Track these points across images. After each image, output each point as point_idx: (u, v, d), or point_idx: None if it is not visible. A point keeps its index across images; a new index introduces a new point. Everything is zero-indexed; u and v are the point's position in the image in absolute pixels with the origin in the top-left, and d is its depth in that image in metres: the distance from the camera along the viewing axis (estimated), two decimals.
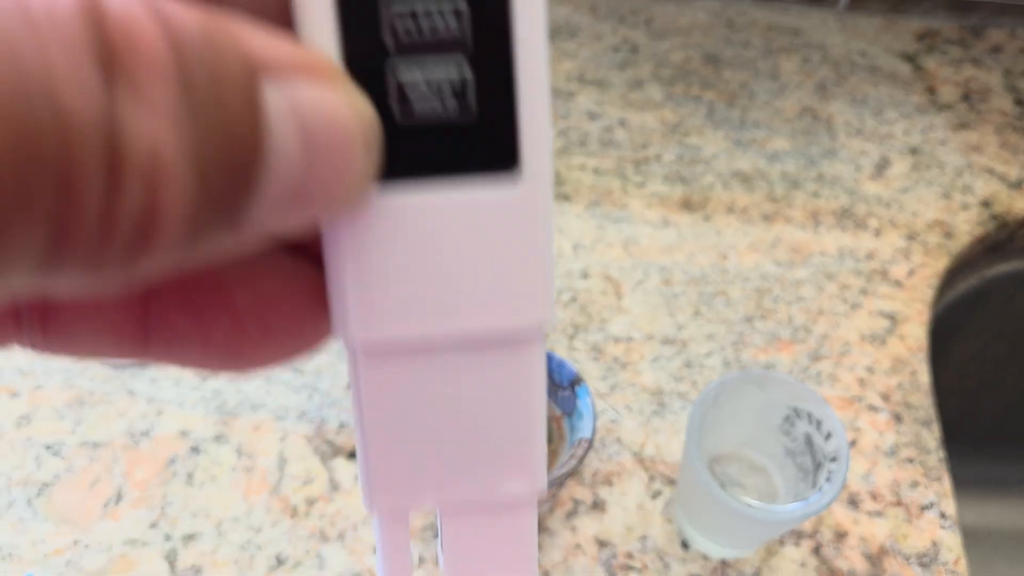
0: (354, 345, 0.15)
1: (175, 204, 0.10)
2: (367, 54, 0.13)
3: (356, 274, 0.14)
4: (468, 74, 0.13)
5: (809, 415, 0.44)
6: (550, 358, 0.43)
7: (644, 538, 0.48)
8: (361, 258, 0.14)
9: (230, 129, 0.10)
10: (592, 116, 0.64)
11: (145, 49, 0.09)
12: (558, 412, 0.44)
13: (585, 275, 0.57)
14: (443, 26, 0.13)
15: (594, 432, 0.41)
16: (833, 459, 0.42)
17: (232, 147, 0.10)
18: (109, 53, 0.09)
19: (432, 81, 0.13)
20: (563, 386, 0.43)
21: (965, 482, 0.73)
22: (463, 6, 0.13)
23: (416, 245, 0.14)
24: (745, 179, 0.62)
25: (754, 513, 0.41)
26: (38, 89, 0.09)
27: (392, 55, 0.13)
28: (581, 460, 0.41)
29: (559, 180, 0.61)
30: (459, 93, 0.13)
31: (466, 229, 0.14)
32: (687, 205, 0.60)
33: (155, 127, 0.09)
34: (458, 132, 0.13)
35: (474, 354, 0.15)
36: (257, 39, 0.11)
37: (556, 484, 0.41)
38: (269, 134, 0.11)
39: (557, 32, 0.69)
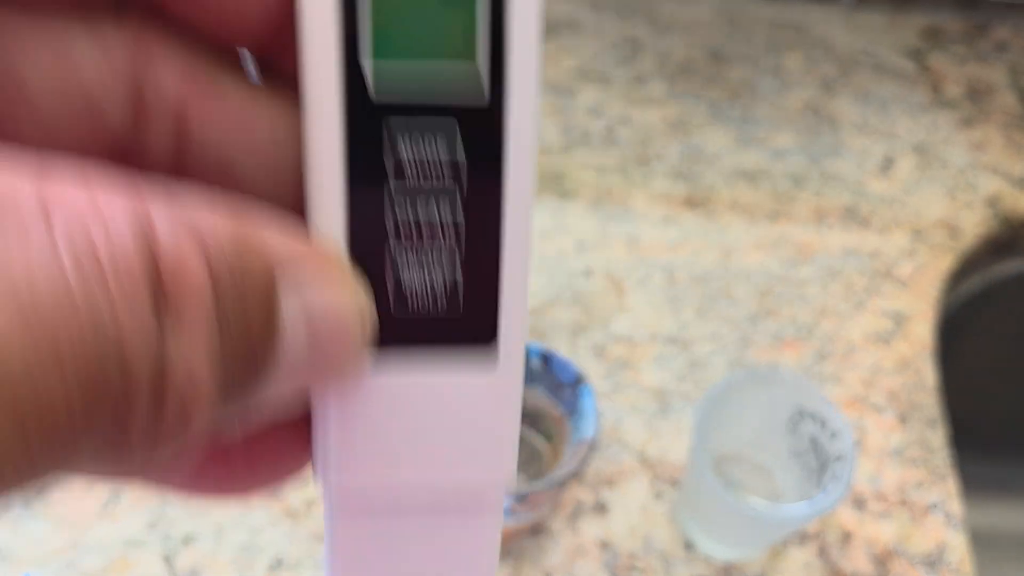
0: (331, 491, 0.16)
1: (203, 411, 0.12)
2: (370, 241, 0.15)
3: (339, 428, 0.15)
4: (459, 277, 0.15)
5: (814, 415, 0.43)
6: (552, 357, 0.43)
7: (647, 540, 0.47)
8: (344, 414, 0.15)
9: (250, 336, 0.12)
10: (594, 113, 0.64)
11: (189, 284, 0.11)
12: (561, 411, 0.44)
13: (587, 274, 0.56)
14: (439, 219, 0.15)
15: (596, 432, 0.41)
16: (839, 459, 0.42)
17: (251, 350, 0.12)
18: (162, 292, 0.11)
19: (426, 282, 0.15)
20: (566, 385, 0.43)
21: (973, 484, 0.72)
22: (458, 198, 0.15)
23: (395, 409, 0.16)
24: (749, 176, 0.61)
25: (760, 514, 0.40)
26: (109, 341, 0.10)
27: (391, 242, 0.15)
28: (583, 461, 0.40)
29: (561, 178, 0.60)
30: (450, 295, 0.15)
31: (443, 401, 0.16)
32: (690, 203, 0.60)
33: (193, 355, 0.11)
34: (446, 321, 0.15)
35: (438, 517, 0.17)
36: (276, 239, 0.13)
37: (558, 485, 0.40)
38: (282, 335, 0.13)
39: (559, 28, 0.68)
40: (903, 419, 0.52)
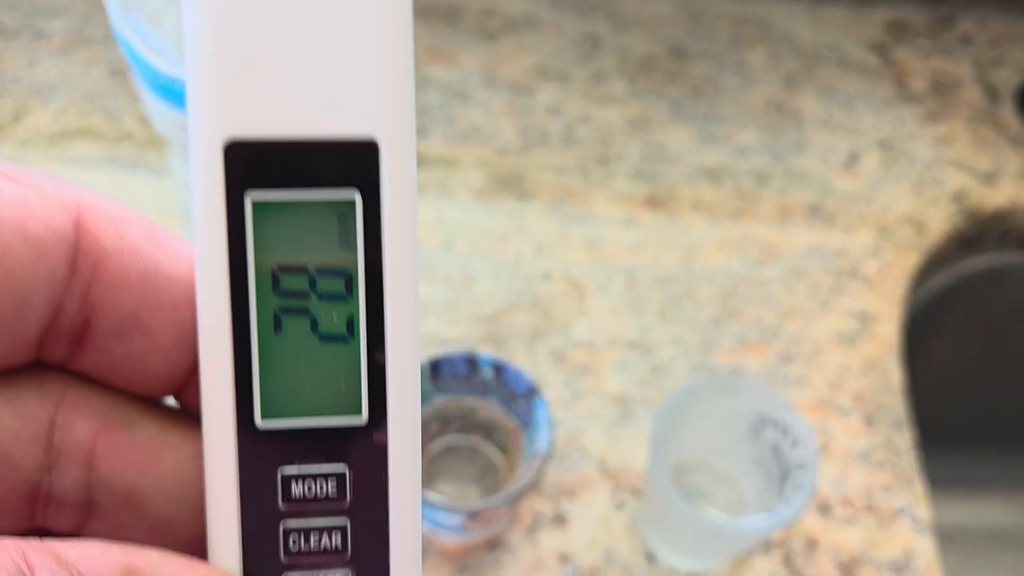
0: None
1: None
2: (266, 569, 0.16)
3: None
4: (348, 544, 0.16)
5: (775, 422, 0.42)
6: (506, 368, 0.41)
7: (609, 552, 0.46)
8: None
9: None
10: (553, 112, 0.62)
11: None
12: (515, 423, 0.42)
13: (547, 277, 0.55)
14: (329, 544, 0.16)
15: (551, 444, 0.39)
16: (800, 467, 0.40)
17: None
18: None
19: None
20: (520, 396, 0.41)
21: (941, 482, 0.72)
22: (347, 526, 0.16)
23: None
24: (712, 175, 0.60)
25: (718, 527, 0.39)
26: None
27: (285, 518, 0.16)
28: (536, 475, 0.39)
29: (519, 179, 0.59)
30: None
31: None
32: (652, 203, 0.58)
33: None
34: None
35: None
36: (169, 570, 0.14)
37: (510, 502, 0.39)
38: None
39: (517, 26, 0.67)
40: (869, 421, 0.51)
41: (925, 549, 0.48)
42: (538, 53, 0.65)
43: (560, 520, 0.47)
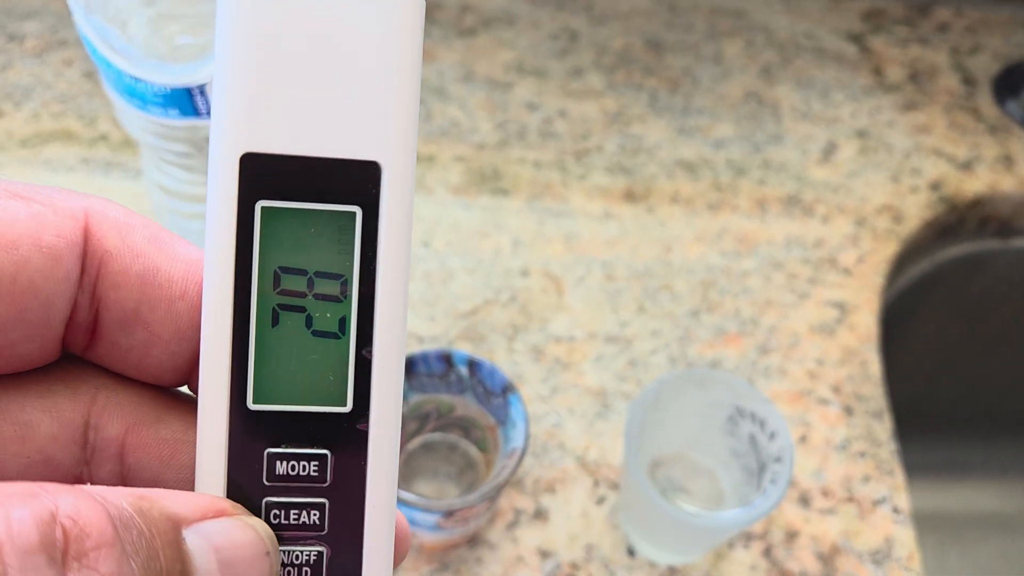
0: None
1: None
2: (248, 493, 0.17)
3: None
4: (325, 522, 0.18)
5: (753, 414, 0.42)
6: (481, 365, 0.41)
7: (589, 547, 0.46)
8: None
9: (165, 571, 0.14)
10: (531, 107, 0.62)
11: (90, 532, 0.13)
12: (492, 421, 0.42)
13: (525, 273, 0.55)
14: (308, 520, 0.18)
15: (527, 440, 0.39)
16: (777, 460, 0.40)
17: None
18: (60, 548, 0.12)
19: (296, 523, 0.18)
20: (495, 393, 0.41)
21: (922, 467, 0.72)
22: (326, 504, 0.17)
23: None
24: (689, 168, 0.60)
25: (694, 521, 0.39)
26: None
27: (268, 495, 0.17)
28: (513, 471, 0.39)
29: (497, 175, 0.59)
30: (316, 529, 0.18)
31: None
32: (630, 196, 0.58)
33: None
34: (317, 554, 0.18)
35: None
36: (172, 499, 0.15)
37: (487, 498, 0.39)
38: (195, 569, 0.15)
39: (494, 21, 0.66)
40: (848, 412, 0.51)
41: (905, 538, 0.48)
42: (515, 48, 0.65)
43: (540, 516, 0.47)
